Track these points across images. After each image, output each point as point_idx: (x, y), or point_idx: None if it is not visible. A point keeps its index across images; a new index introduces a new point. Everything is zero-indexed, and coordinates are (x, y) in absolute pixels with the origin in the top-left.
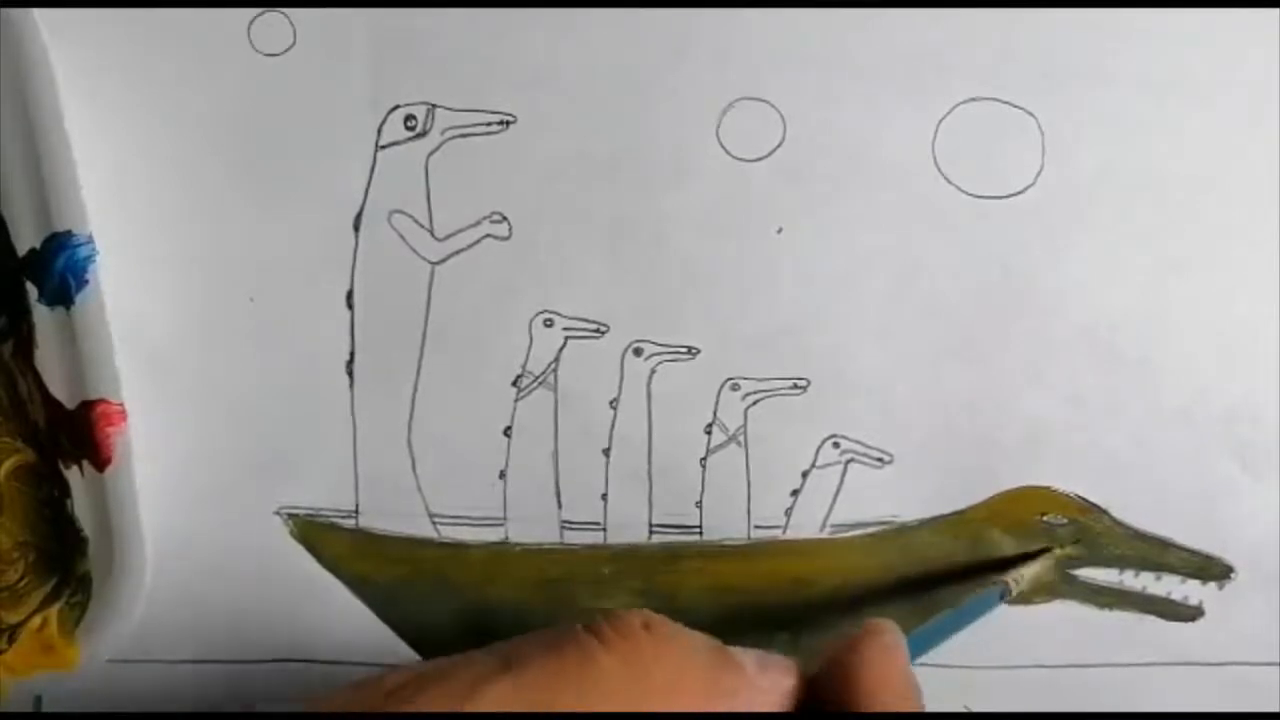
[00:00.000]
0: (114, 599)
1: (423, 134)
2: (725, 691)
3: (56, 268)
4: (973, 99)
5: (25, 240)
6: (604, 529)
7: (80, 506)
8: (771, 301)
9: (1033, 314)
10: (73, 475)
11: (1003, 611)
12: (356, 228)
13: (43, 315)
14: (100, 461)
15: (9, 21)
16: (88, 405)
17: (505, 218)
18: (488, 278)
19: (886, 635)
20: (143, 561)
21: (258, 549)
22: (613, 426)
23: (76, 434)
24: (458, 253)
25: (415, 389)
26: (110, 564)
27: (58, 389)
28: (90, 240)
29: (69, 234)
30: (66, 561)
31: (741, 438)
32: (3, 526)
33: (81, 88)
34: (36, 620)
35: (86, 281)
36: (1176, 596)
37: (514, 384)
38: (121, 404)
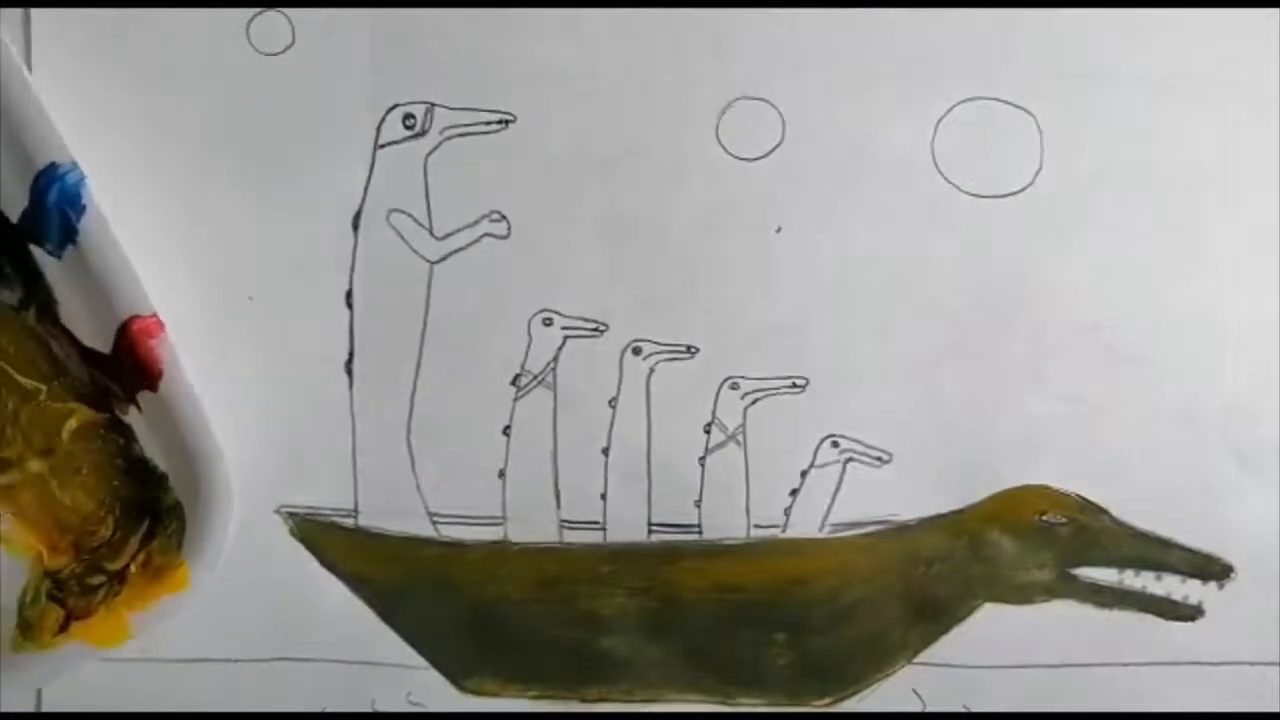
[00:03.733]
0: (208, 508)
1: (422, 133)
2: None
3: (51, 204)
4: (972, 99)
5: (16, 204)
6: (603, 528)
7: (149, 443)
8: (771, 301)
9: (1033, 314)
10: (133, 417)
11: (1003, 611)
12: (355, 227)
13: (55, 269)
14: (153, 379)
15: None
16: (123, 328)
17: (504, 217)
18: (487, 277)
19: None
20: (222, 459)
21: (258, 549)
22: (611, 426)
23: (123, 370)
24: (457, 252)
25: (414, 388)
26: (195, 477)
27: (90, 337)
28: (76, 166)
29: (53, 166)
30: (153, 502)
31: (740, 437)
32: (82, 489)
33: (81, 88)
34: (141, 557)
35: (84, 206)
36: (1176, 596)
37: (513, 383)
38: (154, 313)
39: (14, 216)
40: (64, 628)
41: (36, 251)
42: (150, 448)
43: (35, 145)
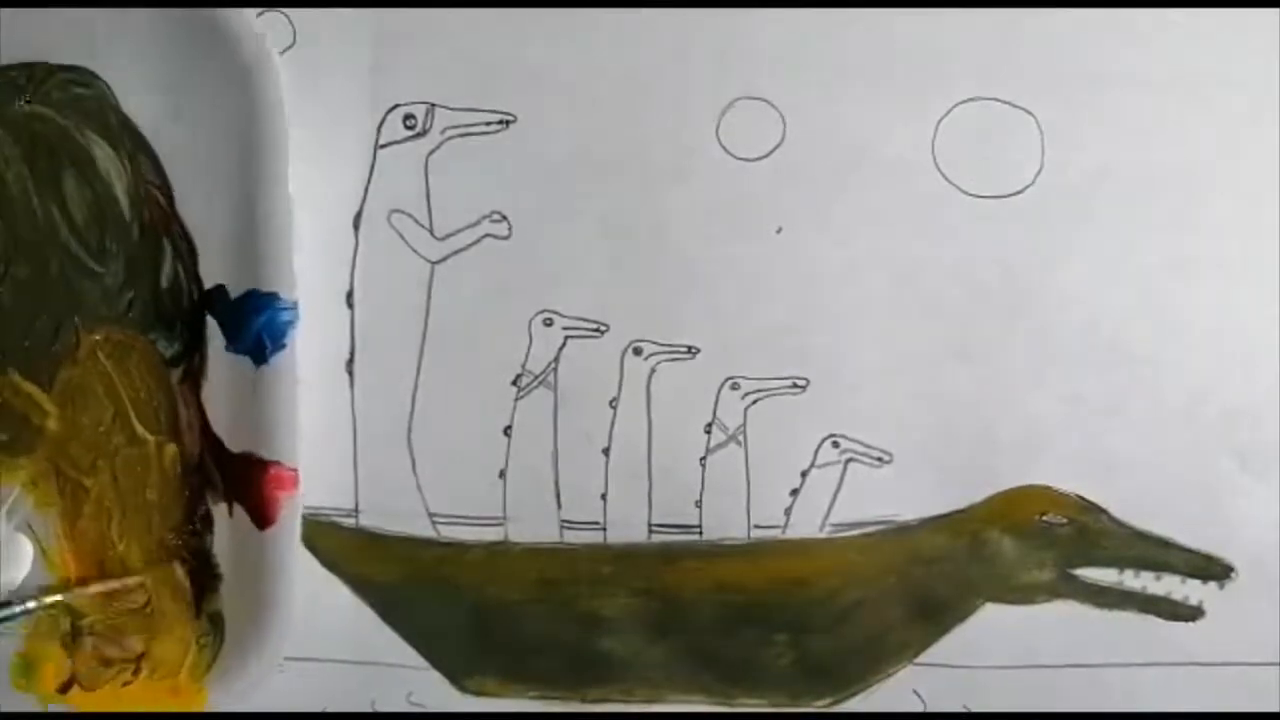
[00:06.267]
0: (254, 651)
1: (422, 133)
2: None
3: (255, 325)
4: (972, 99)
5: (215, 276)
6: (604, 529)
7: (222, 546)
8: (771, 301)
9: (1033, 314)
10: (219, 512)
11: (1003, 611)
12: (356, 227)
13: (221, 356)
14: (263, 521)
15: (249, 65)
16: (261, 464)
17: (505, 217)
18: (487, 277)
19: None
20: (290, 618)
21: None
22: (612, 426)
23: (235, 480)
24: (457, 252)
25: (415, 388)
26: (256, 616)
27: (221, 428)
28: (295, 306)
29: (274, 296)
30: (197, 599)
31: (741, 437)
32: (139, 549)
33: None
34: None
35: (284, 345)
36: (1176, 596)
37: (514, 383)
38: (296, 469)
39: (208, 283)
40: (65, 689)
41: (212, 324)
42: (221, 549)
43: (272, 269)
